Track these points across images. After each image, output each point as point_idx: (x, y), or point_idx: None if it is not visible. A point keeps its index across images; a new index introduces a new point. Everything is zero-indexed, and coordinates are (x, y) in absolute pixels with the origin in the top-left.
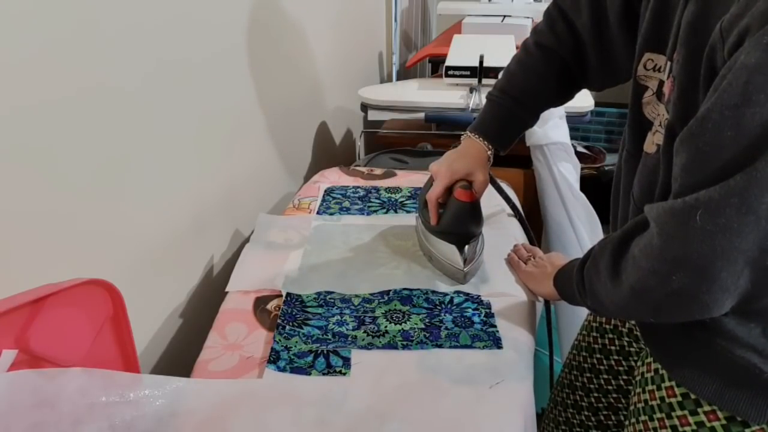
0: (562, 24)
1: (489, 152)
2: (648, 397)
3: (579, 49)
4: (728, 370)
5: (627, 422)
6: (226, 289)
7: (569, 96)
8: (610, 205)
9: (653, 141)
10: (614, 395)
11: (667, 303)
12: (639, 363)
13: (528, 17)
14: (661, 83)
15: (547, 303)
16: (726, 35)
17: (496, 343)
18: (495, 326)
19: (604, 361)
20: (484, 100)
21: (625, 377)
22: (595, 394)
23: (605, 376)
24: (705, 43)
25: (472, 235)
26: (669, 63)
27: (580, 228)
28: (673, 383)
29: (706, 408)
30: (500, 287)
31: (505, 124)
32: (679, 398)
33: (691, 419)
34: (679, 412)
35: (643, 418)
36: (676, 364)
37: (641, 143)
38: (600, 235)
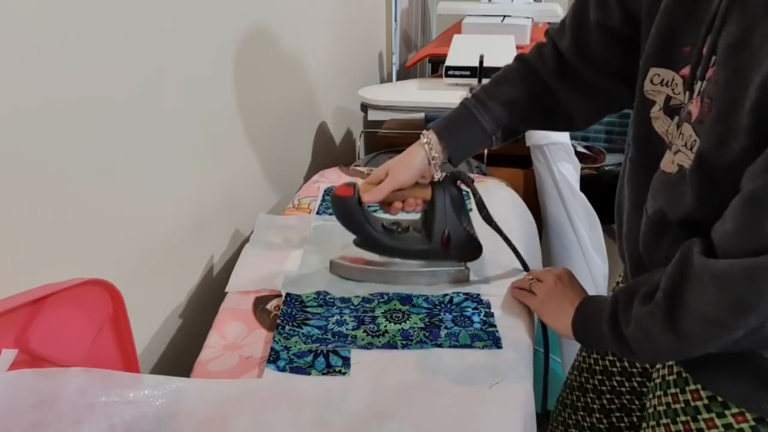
0: (549, 46)
1: (429, 153)
2: (671, 400)
3: (563, 71)
4: (756, 373)
5: (645, 425)
6: (226, 290)
7: (546, 120)
8: (615, 217)
9: (674, 161)
10: (628, 396)
11: (748, 342)
12: (658, 365)
13: (528, 17)
14: (668, 98)
15: None
16: None
17: (496, 342)
18: (495, 326)
19: (618, 363)
20: None
21: (639, 379)
22: (608, 396)
23: (618, 378)
24: (749, 64)
25: (351, 231)
26: (700, 82)
27: (580, 228)
28: (699, 386)
29: (734, 410)
30: (500, 287)
31: (461, 124)
32: (706, 401)
33: (718, 422)
34: (705, 415)
35: (664, 421)
36: (701, 368)
37: (648, 156)
38: (600, 235)
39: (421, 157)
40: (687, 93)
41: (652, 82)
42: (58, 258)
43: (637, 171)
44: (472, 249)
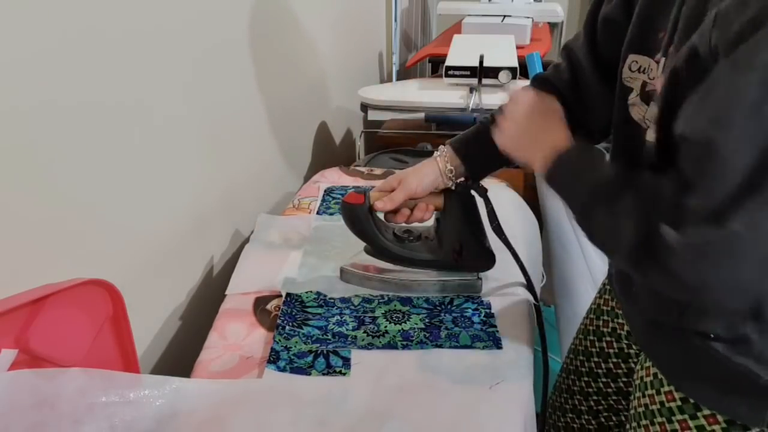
0: (564, 59)
1: (444, 165)
2: (648, 401)
3: (578, 82)
4: (726, 377)
5: (628, 425)
6: (226, 292)
7: None
8: None
9: (647, 140)
10: (614, 397)
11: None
12: (638, 367)
13: (528, 17)
14: (644, 84)
15: (537, 306)
16: (722, 22)
17: (496, 343)
18: (495, 326)
19: (603, 365)
20: (483, 100)
21: (624, 379)
22: (595, 398)
23: (604, 380)
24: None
25: (362, 239)
26: (664, 59)
27: (580, 228)
28: (672, 387)
29: (706, 412)
30: (501, 288)
31: (477, 140)
32: (679, 402)
33: (691, 423)
34: (679, 417)
35: (644, 422)
36: (674, 371)
37: (624, 145)
38: None
39: (435, 169)
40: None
41: (630, 68)
42: (58, 258)
43: (614, 161)
44: (485, 260)
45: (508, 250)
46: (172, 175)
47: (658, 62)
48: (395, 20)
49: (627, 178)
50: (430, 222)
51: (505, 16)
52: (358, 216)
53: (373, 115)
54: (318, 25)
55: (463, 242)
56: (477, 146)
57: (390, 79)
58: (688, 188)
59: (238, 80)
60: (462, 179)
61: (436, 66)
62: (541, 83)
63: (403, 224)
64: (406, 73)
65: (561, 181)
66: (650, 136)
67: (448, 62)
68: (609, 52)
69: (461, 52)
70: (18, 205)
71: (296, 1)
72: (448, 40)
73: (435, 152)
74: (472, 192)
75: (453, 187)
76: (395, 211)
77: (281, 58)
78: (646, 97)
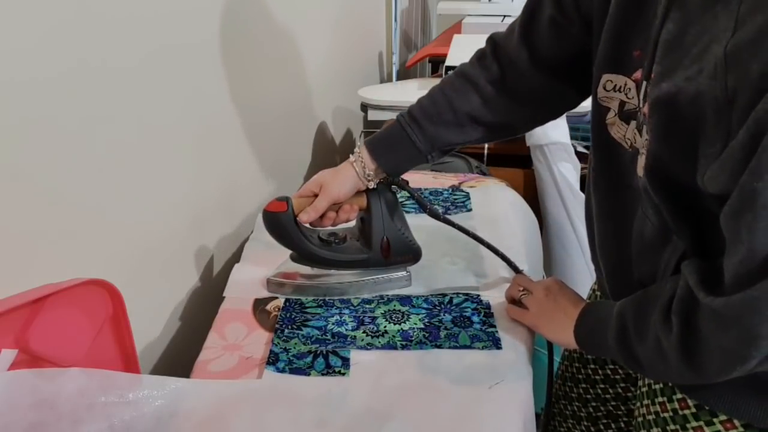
0: (489, 54)
1: (362, 170)
2: (659, 409)
3: (506, 78)
4: (742, 382)
5: None
6: (224, 294)
7: (486, 136)
8: (586, 226)
9: (641, 165)
10: (613, 403)
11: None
12: None
13: None
14: (622, 103)
15: None
16: (735, 64)
17: (496, 343)
18: (494, 326)
19: (600, 371)
20: None
21: (623, 385)
22: (593, 404)
23: (602, 386)
24: (678, 61)
25: (288, 247)
26: (645, 83)
27: (580, 228)
28: (685, 395)
29: (722, 417)
30: (500, 288)
31: (394, 143)
32: (693, 410)
33: (707, 429)
34: (694, 423)
35: (655, 430)
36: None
37: (607, 163)
38: None
39: (353, 173)
40: (641, 96)
41: (605, 88)
42: (58, 258)
43: (598, 179)
44: (411, 253)
45: (463, 232)
46: (171, 174)
47: (635, 81)
48: (395, 20)
49: (633, 305)
50: (353, 222)
51: (505, 16)
52: (282, 224)
53: (373, 115)
54: (318, 25)
55: (390, 238)
56: (392, 147)
57: (390, 79)
58: (729, 250)
59: (238, 80)
60: (383, 177)
61: (436, 66)
62: (463, 80)
63: (328, 227)
64: (406, 73)
65: (592, 349)
66: (640, 170)
67: (448, 62)
68: (551, 51)
69: (461, 52)
70: (17, 205)
71: (297, 1)
72: (448, 40)
73: (351, 156)
74: (394, 187)
75: (375, 186)
76: (321, 216)
77: (281, 57)
78: (625, 116)
